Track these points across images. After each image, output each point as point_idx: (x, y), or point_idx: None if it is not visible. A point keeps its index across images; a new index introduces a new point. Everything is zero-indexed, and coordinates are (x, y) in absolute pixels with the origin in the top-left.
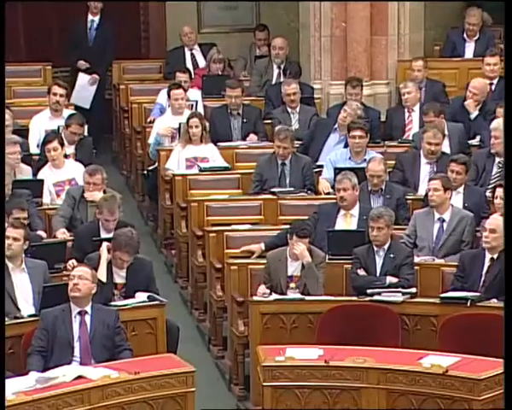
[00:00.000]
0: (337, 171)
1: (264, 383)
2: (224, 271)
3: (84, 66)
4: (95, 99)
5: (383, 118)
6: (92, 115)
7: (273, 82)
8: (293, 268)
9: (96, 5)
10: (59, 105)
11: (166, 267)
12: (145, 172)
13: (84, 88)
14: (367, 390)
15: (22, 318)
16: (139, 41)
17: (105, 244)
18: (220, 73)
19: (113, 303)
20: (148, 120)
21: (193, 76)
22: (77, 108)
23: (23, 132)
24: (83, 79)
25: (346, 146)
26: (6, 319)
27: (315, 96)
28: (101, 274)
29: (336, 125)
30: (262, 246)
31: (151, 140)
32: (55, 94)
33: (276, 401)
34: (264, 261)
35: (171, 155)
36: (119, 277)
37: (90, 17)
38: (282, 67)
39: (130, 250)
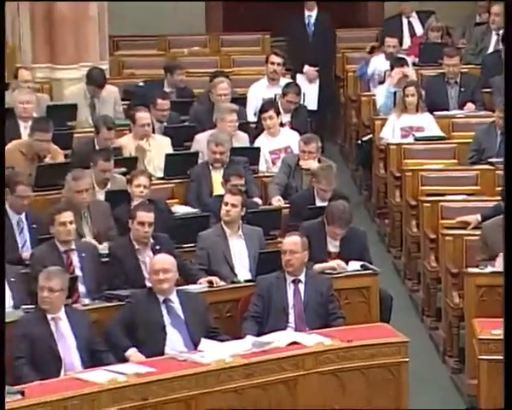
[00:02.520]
0: None
1: (480, 357)
2: (439, 241)
3: (314, 75)
4: (323, 98)
5: None
6: (320, 116)
7: (490, 50)
8: None
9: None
10: (276, 74)
11: (379, 237)
12: (359, 141)
13: (305, 88)
14: None
15: (239, 282)
16: (357, 10)
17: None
18: (438, 41)
19: (326, 271)
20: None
21: (409, 44)
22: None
23: (241, 101)
24: (300, 79)
25: None
26: (223, 283)
27: None
28: None
29: None
30: (478, 217)
31: (379, 103)
32: (272, 63)
33: (492, 375)
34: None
35: (385, 124)
36: (333, 246)
37: (306, 13)
38: (501, 34)
39: (342, 224)
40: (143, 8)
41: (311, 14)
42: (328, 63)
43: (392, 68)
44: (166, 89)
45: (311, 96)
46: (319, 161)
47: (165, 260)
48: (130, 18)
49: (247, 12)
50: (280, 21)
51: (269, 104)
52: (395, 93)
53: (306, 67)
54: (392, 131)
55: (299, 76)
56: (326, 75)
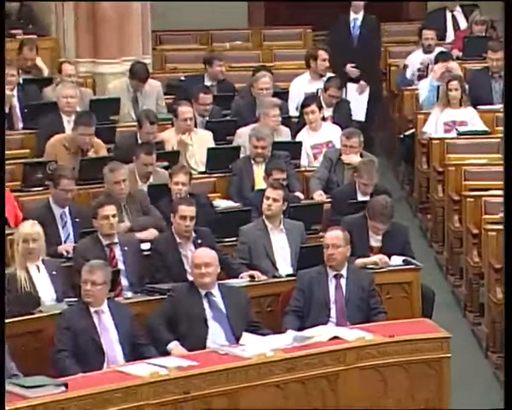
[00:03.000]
0: None
1: None
2: (482, 236)
3: (355, 74)
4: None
5: None
6: (368, 128)
7: None
8: None
9: (359, 3)
10: (327, 70)
11: (421, 232)
12: (402, 136)
13: (355, 99)
14: None
15: (280, 277)
16: (399, 7)
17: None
18: (482, 34)
19: (368, 266)
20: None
21: (453, 37)
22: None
23: (283, 95)
24: (351, 89)
25: None
26: (265, 277)
27: None
28: None
29: None
30: None
31: (422, 97)
32: (324, 60)
33: None
34: None
35: (428, 119)
36: (375, 241)
37: (352, 16)
38: None
39: (384, 219)
40: (186, 5)
41: (356, 17)
42: (373, 68)
43: (436, 62)
44: (207, 82)
45: (359, 107)
46: (361, 155)
47: (207, 254)
48: (172, 15)
49: (288, 10)
50: (322, 19)
51: (311, 99)
52: (438, 87)
53: (348, 66)
54: (434, 126)
55: (349, 85)
56: (371, 79)
